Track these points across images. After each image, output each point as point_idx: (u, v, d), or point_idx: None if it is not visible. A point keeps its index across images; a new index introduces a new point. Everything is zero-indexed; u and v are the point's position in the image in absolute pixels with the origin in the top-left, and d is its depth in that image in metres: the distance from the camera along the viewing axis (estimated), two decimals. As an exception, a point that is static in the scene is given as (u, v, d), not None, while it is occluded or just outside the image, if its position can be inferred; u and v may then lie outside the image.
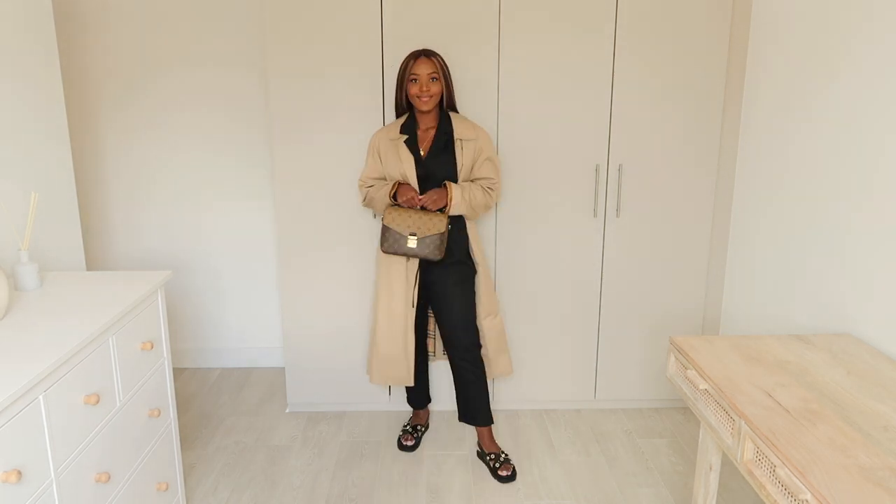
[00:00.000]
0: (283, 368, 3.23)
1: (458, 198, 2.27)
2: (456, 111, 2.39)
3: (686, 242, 2.73)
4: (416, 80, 2.25)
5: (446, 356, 2.59)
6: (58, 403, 1.38)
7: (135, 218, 3.21)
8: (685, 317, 2.81)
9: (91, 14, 2.99)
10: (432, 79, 2.25)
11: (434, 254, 2.26)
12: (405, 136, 2.31)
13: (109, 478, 1.56)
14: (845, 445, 1.25)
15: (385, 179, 2.37)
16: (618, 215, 2.69)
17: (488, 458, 2.46)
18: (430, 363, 2.75)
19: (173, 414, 2.02)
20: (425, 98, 2.25)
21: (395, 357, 2.40)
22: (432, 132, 2.34)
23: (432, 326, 2.61)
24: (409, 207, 2.28)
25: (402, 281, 2.36)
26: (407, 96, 2.30)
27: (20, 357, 1.35)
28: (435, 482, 2.40)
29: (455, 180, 2.32)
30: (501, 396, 2.87)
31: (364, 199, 2.43)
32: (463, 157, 2.32)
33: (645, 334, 2.82)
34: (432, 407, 2.88)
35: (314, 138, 2.60)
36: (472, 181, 2.36)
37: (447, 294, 2.38)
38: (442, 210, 2.28)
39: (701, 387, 1.60)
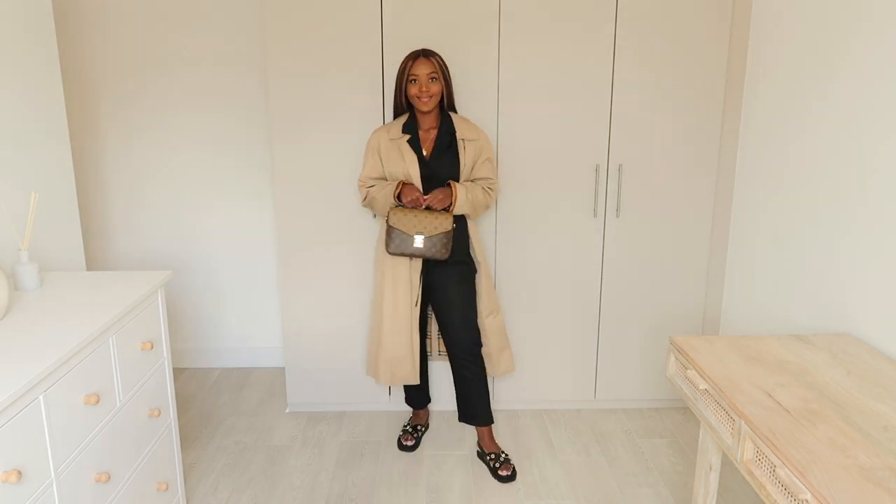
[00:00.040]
0: (283, 368, 3.23)
1: (463, 197, 2.28)
2: (455, 111, 2.39)
3: (686, 242, 2.73)
4: (415, 80, 2.25)
5: (446, 356, 2.59)
6: (58, 403, 1.38)
7: (135, 218, 3.21)
8: (685, 317, 2.81)
9: (91, 14, 2.99)
10: (432, 79, 2.25)
11: (441, 253, 2.26)
12: (408, 136, 2.31)
13: (109, 478, 1.56)
14: (845, 445, 1.25)
15: (385, 179, 2.37)
16: (618, 215, 2.69)
17: (488, 457, 2.46)
18: (429, 363, 2.75)
19: (173, 414, 2.02)
20: (425, 98, 2.25)
21: (401, 356, 2.40)
22: (434, 132, 2.34)
23: (431, 326, 2.61)
24: (413, 208, 2.28)
25: (406, 281, 2.36)
26: (407, 97, 2.30)
27: (20, 357, 1.35)
28: (435, 482, 2.40)
29: (457, 180, 2.33)
30: (501, 396, 2.87)
31: (364, 200, 2.41)
32: (466, 158, 2.33)
33: (645, 334, 2.82)
34: (432, 407, 2.88)
35: (314, 138, 2.60)
36: (472, 181, 2.37)
37: (449, 293, 2.38)
38: (446, 209, 2.28)
39: (701, 387, 1.60)
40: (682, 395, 1.75)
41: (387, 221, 2.29)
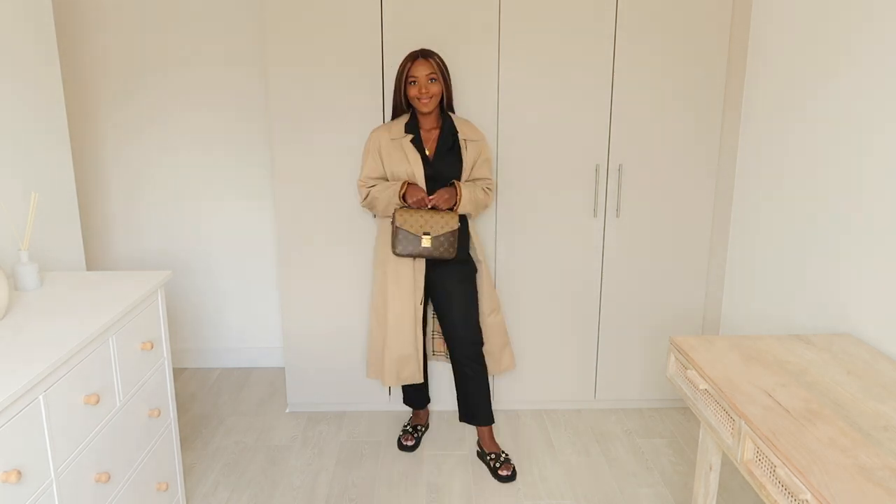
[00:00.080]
0: (283, 368, 3.23)
1: (468, 196, 2.29)
2: (453, 111, 2.40)
3: (686, 242, 2.73)
4: (414, 82, 2.25)
5: (445, 356, 2.59)
6: (58, 403, 1.38)
7: (134, 218, 3.21)
8: (685, 317, 2.81)
9: (91, 14, 2.99)
10: (431, 80, 2.25)
11: (448, 252, 2.26)
12: (411, 136, 2.31)
13: (109, 478, 1.56)
14: (845, 445, 1.25)
15: (386, 179, 2.37)
16: (618, 215, 2.69)
17: (488, 457, 2.46)
18: (429, 363, 2.75)
19: (173, 414, 2.02)
20: (425, 100, 2.25)
21: (407, 356, 2.40)
22: (435, 132, 2.34)
23: (437, 326, 2.61)
24: (418, 208, 2.27)
25: (410, 281, 2.35)
26: (407, 97, 2.30)
27: (20, 357, 1.35)
28: (435, 482, 2.40)
29: (459, 180, 2.34)
30: (502, 396, 2.87)
31: (365, 200, 2.39)
32: (468, 158, 2.33)
33: (645, 334, 2.82)
34: (432, 407, 2.88)
35: (314, 138, 2.60)
36: (471, 181, 2.38)
37: (451, 292, 2.38)
38: (451, 209, 2.29)
39: (701, 387, 1.60)
40: (682, 395, 1.75)
41: (392, 223, 2.28)
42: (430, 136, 2.35)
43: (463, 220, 2.37)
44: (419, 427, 2.70)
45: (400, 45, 2.49)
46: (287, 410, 2.92)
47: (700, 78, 2.58)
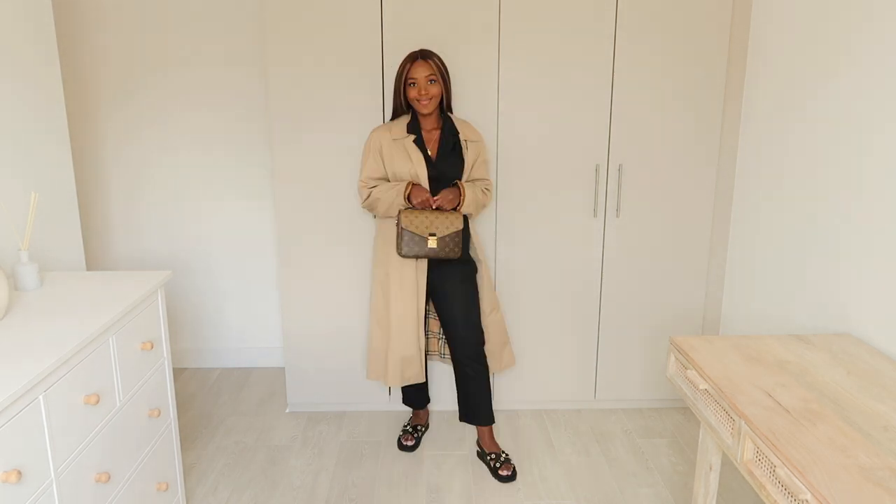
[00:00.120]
0: (283, 368, 3.23)
1: (471, 197, 2.30)
2: (451, 111, 2.40)
3: (686, 242, 2.73)
4: (414, 83, 2.25)
5: (443, 356, 2.59)
6: (58, 403, 1.38)
7: (134, 218, 3.21)
8: (685, 317, 2.81)
9: (91, 14, 2.99)
10: (430, 81, 2.25)
11: (454, 252, 2.27)
12: (413, 136, 2.31)
13: (109, 478, 1.56)
14: (845, 445, 1.25)
15: (387, 180, 2.36)
16: (618, 215, 2.69)
17: (489, 457, 2.46)
18: (429, 363, 2.75)
19: (173, 414, 2.02)
20: (425, 101, 2.25)
21: (410, 356, 2.40)
22: (436, 133, 2.34)
23: (435, 326, 2.61)
24: (422, 209, 2.27)
25: (413, 281, 2.35)
26: (406, 98, 2.30)
27: (20, 357, 1.35)
28: (435, 482, 2.40)
29: (461, 180, 2.34)
30: (501, 396, 2.87)
31: (366, 201, 2.38)
32: (468, 158, 2.34)
33: (645, 334, 2.82)
34: (432, 407, 2.88)
35: (314, 138, 2.60)
36: (470, 181, 2.38)
37: (452, 292, 2.38)
38: (454, 209, 2.29)
39: (701, 387, 1.60)
40: (682, 395, 1.75)
41: (397, 224, 2.27)
42: (432, 137, 2.35)
43: (464, 219, 2.37)
44: (419, 427, 2.70)
45: (400, 45, 2.49)
46: (287, 410, 2.92)
47: (700, 78, 2.58)
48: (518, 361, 2.82)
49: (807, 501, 1.14)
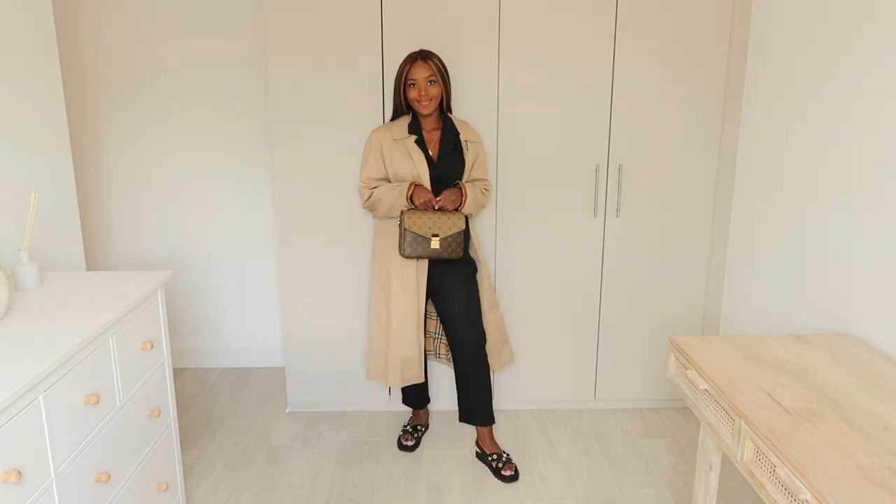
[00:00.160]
0: (283, 368, 3.23)
1: (472, 197, 2.31)
2: (451, 112, 2.40)
3: (686, 242, 2.73)
4: (414, 84, 2.25)
5: (439, 356, 2.59)
6: (58, 403, 1.38)
7: (134, 218, 3.21)
8: (685, 317, 2.81)
9: (91, 14, 2.99)
10: (430, 82, 2.25)
11: (456, 252, 2.27)
12: (414, 137, 2.30)
13: (109, 478, 1.56)
14: (845, 445, 1.25)
15: (388, 180, 2.36)
16: (618, 215, 2.69)
17: (490, 458, 2.46)
18: (429, 363, 2.75)
19: (173, 414, 2.02)
20: (425, 102, 2.25)
21: (410, 356, 2.40)
22: (437, 133, 2.34)
23: (431, 326, 2.61)
24: (424, 209, 2.27)
25: (414, 282, 2.35)
26: (406, 99, 2.30)
27: (20, 357, 1.35)
28: (435, 482, 2.40)
29: (461, 181, 2.34)
30: (501, 396, 2.87)
31: (367, 201, 2.38)
32: (468, 159, 2.34)
33: (645, 334, 2.82)
34: (432, 407, 2.88)
35: (314, 138, 2.60)
36: (470, 182, 2.38)
37: (453, 292, 2.38)
38: (456, 209, 2.29)
39: (701, 387, 1.60)
40: (682, 395, 1.75)
41: (400, 225, 2.27)
42: (433, 137, 2.35)
43: (464, 219, 2.37)
44: (419, 427, 2.70)
45: (400, 45, 2.49)
46: (287, 410, 2.92)
47: (700, 78, 2.58)
48: (518, 361, 2.82)
49: (807, 501, 1.14)
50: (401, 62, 2.30)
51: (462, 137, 2.35)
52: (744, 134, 2.57)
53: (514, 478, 2.38)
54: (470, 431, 2.73)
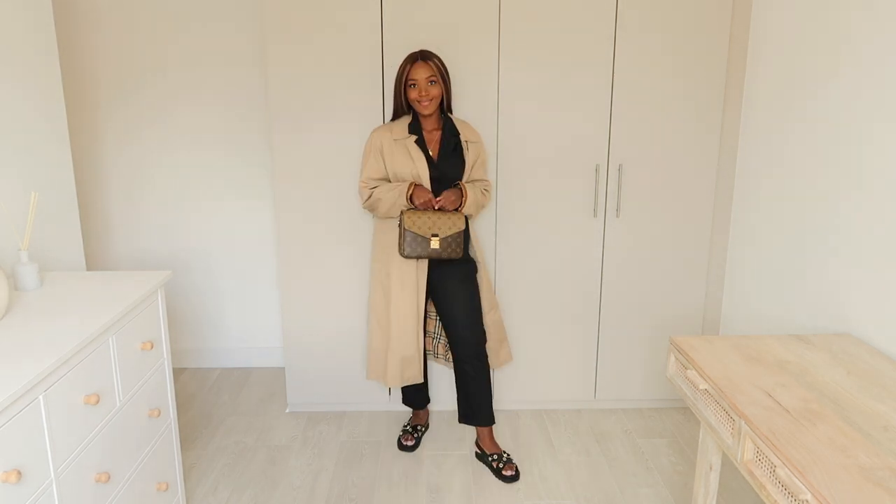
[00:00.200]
0: (283, 368, 3.23)
1: (472, 198, 2.31)
2: (451, 112, 2.40)
3: (686, 242, 2.73)
4: (414, 84, 2.25)
5: (437, 356, 2.59)
6: (58, 403, 1.38)
7: (134, 218, 3.21)
8: (685, 317, 2.81)
9: (91, 14, 2.99)
10: (431, 82, 2.25)
11: (456, 252, 2.27)
12: (415, 137, 2.30)
13: (109, 478, 1.56)
14: (845, 445, 1.25)
15: (388, 180, 2.36)
16: (618, 215, 2.69)
17: (490, 458, 2.46)
18: (429, 363, 2.75)
19: (173, 414, 2.02)
20: (425, 102, 2.25)
21: (410, 356, 2.40)
22: (437, 134, 2.35)
23: (431, 326, 2.61)
24: (424, 209, 2.27)
25: (414, 282, 2.35)
26: (407, 99, 2.30)
27: (20, 357, 1.35)
28: (435, 482, 2.40)
29: (461, 181, 2.34)
30: (501, 396, 2.87)
31: (367, 201, 2.37)
32: (469, 159, 2.34)
33: (645, 334, 2.82)
34: (432, 407, 2.88)
35: (314, 138, 2.60)
36: (470, 182, 2.38)
37: (454, 292, 2.38)
38: (456, 209, 2.29)
39: (701, 387, 1.60)
40: (682, 395, 1.75)
41: (400, 225, 2.27)
42: (433, 138, 2.35)
43: (464, 219, 2.37)
44: (419, 427, 2.70)
45: (400, 45, 2.49)
46: (287, 410, 2.92)
47: (700, 78, 2.58)
48: (518, 361, 2.82)
49: (807, 501, 1.14)
50: (401, 62, 2.30)
51: (462, 138, 2.35)
52: (744, 134, 2.57)
53: (514, 478, 2.38)
54: (470, 431, 2.73)
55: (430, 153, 2.32)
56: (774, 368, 1.61)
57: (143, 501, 1.79)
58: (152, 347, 1.83)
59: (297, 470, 2.47)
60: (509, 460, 2.44)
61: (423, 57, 2.25)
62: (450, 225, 2.26)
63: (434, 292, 2.42)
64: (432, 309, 2.52)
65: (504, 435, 2.71)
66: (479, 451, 2.53)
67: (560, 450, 2.60)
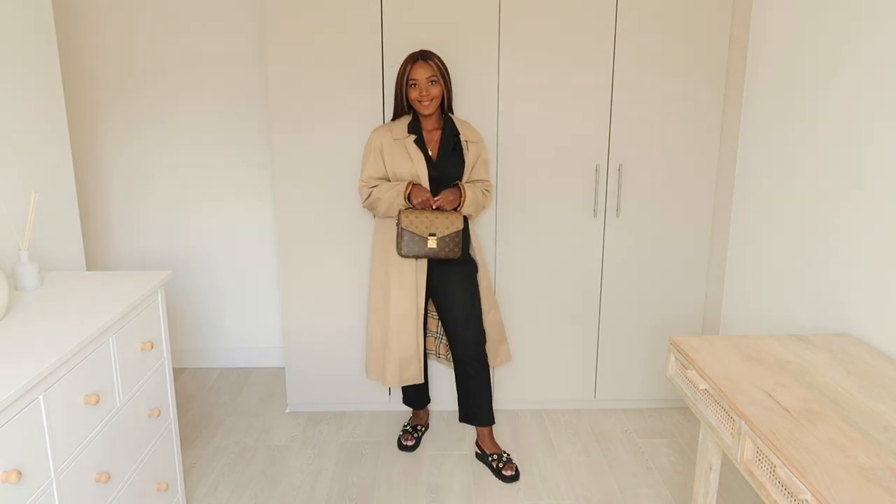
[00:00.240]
0: (283, 368, 3.23)
1: (471, 198, 2.31)
2: (452, 112, 2.40)
3: (686, 242, 2.73)
4: (415, 84, 2.25)
5: (439, 356, 2.59)
6: (58, 403, 1.38)
7: (134, 218, 3.21)
8: (685, 317, 2.81)
9: (91, 14, 2.99)
10: (431, 82, 2.25)
11: (454, 252, 2.27)
12: (414, 136, 2.30)
13: (109, 478, 1.56)
14: (845, 445, 1.25)
15: (388, 179, 2.36)
16: (618, 215, 2.69)
17: (490, 458, 2.46)
18: (429, 363, 2.75)
19: (173, 414, 2.02)
20: (426, 102, 2.25)
21: (409, 357, 2.40)
22: (437, 133, 2.35)
23: (433, 325, 2.61)
24: (422, 209, 2.27)
25: (413, 281, 2.35)
26: (408, 99, 2.30)
27: (20, 357, 1.35)
28: (435, 482, 2.40)
29: (461, 181, 2.34)
30: (501, 396, 2.87)
31: (366, 201, 2.38)
32: (469, 159, 2.34)
33: (645, 334, 2.82)
34: (432, 407, 2.88)
35: (314, 138, 2.60)
36: (470, 182, 2.38)
37: (453, 292, 2.38)
38: (454, 209, 2.29)
39: (701, 387, 1.60)
40: (682, 395, 1.75)
41: (398, 224, 2.28)
42: (433, 137, 2.35)
43: (464, 220, 2.37)
44: (419, 427, 2.70)
45: (400, 45, 2.49)
46: (287, 410, 2.92)
47: (700, 78, 2.58)
48: (518, 361, 2.82)
49: (807, 501, 1.14)
50: (401, 62, 2.30)
51: (462, 138, 2.35)
52: (744, 134, 2.57)
53: (514, 478, 2.38)
54: (470, 431, 2.73)
55: (430, 153, 2.32)
56: (774, 368, 1.61)
57: (143, 501, 1.79)
58: (152, 347, 1.83)
59: (297, 470, 2.47)
60: (509, 460, 2.44)
61: (423, 57, 2.25)
62: (447, 224, 2.26)
63: (434, 292, 2.42)
64: (434, 308, 2.52)
65: (504, 435, 2.71)
66: (479, 451, 2.53)
67: (560, 450, 2.60)
